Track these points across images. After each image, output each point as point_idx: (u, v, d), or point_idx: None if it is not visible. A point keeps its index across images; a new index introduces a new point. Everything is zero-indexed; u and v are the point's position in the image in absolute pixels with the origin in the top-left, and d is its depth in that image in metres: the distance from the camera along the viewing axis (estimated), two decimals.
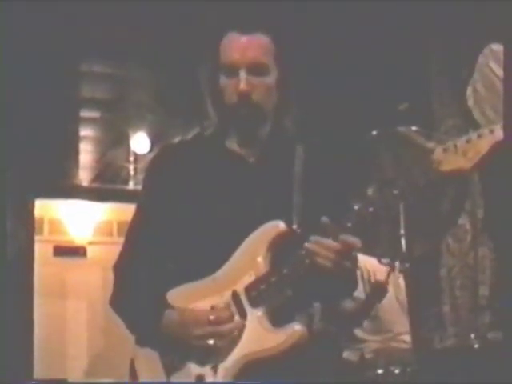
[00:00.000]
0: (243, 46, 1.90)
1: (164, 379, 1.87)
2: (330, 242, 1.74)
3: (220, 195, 1.93)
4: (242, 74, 1.88)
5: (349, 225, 1.76)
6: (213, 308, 1.84)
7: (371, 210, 1.76)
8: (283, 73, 1.94)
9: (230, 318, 1.81)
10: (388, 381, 2.95)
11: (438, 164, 1.72)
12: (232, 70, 1.89)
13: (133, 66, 4.97)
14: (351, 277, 1.91)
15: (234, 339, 1.80)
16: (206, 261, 1.88)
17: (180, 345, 1.84)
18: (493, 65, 3.43)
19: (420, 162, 1.75)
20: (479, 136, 1.69)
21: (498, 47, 3.41)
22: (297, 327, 1.78)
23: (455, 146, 1.71)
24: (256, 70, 1.89)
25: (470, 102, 3.61)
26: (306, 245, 1.76)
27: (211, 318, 1.80)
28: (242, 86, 1.87)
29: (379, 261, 3.23)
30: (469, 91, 3.62)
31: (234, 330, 1.80)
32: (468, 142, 1.70)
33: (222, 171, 1.96)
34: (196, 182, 1.96)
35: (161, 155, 2.07)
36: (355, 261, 1.83)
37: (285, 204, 1.89)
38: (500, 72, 3.36)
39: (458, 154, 1.70)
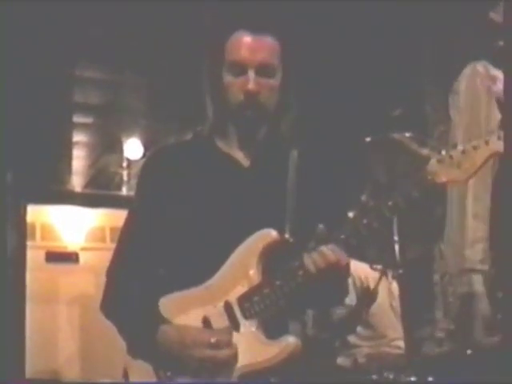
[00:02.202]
0: (253, 45, 1.89)
1: None
2: (325, 250, 1.73)
3: (213, 200, 1.91)
4: (251, 74, 1.87)
5: (342, 236, 1.75)
6: (206, 318, 1.82)
7: (365, 221, 1.74)
8: (287, 76, 1.94)
9: (229, 343, 1.78)
10: None
11: (433, 175, 1.70)
12: (240, 69, 1.88)
13: (126, 72, 4.96)
14: (343, 285, 1.91)
15: (230, 362, 1.78)
16: (198, 267, 1.86)
17: (175, 361, 1.82)
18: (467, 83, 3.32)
19: (414, 172, 1.74)
20: (474, 147, 1.68)
21: (481, 67, 3.30)
22: (290, 340, 1.76)
23: (450, 156, 1.70)
24: (264, 71, 1.89)
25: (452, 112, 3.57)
26: (305, 255, 1.74)
27: (212, 340, 1.77)
28: (251, 85, 1.87)
29: (371, 267, 3.24)
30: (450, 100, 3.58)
31: (232, 355, 1.77)
32: (463, 153, 1.69)
33: (216, 175, 1.95)
34: (189, 185, 1.94)
35: (153, 159, 2.05)
36: (348, 270, 1.82)
37: (278, 209, 1.87)
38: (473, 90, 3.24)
39: (453, 166, 1.69)
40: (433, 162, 1.71)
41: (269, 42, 1.91)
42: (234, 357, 1.77)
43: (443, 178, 1.71)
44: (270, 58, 1.90)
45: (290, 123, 1.99)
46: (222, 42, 1.93)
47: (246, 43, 1.90)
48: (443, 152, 1.71)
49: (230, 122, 1.95)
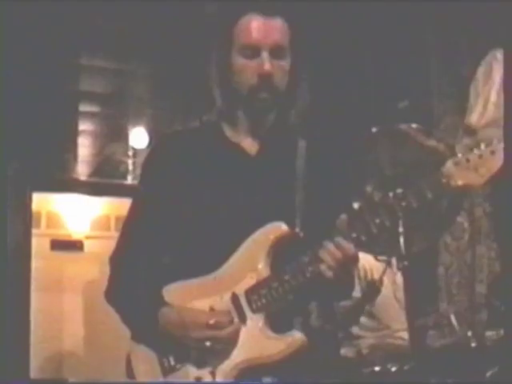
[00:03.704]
0: (265, 27, 1.87)
1: (160, 377, 1.86)
2: (333, 248, 1.73)
3: (219, 188, 1.90)
4: (265, 55, 1.85)
5: (354, 235, 1.74)
6: (212, 309, 1.82)
7: (378, 221, 1.73)
8: (296, 61, 1.92)
9: (230, 323, 1.78)
10: (385, 378, 2.95)
11: (449, 178, 1.69)
12: (253, 51, 1.86)
13: (132, 60, 4.96)
14: (350, 282, 1.90)
15: (231, 342, 1.78)
16: (203, 256, 1.86)
17: (177, 344, 1.83)
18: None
19: (429, 173, 1.72)
20: (492, 152, 1.66)
21: (499, 53, 3.27)
22: (297, 335, 1.76)
23: (467, 160, 1.68)
24: (277, 52, 1.87)
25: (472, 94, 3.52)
26: (319, 252, 1.74)
27: (211, 322, 1.78)
28: (267, 66, 1.84)
29: (376, 258, 3.23)
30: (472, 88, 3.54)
31: (232, 335, 1.78)
32: (480, 157, 1.67)
33: (222, 163, 1.93)
34: (195, 174, 1.93)
35: (159, 146, 2.04)
36: (356, 264, 1.81)
37: (285, 199, 1.86)
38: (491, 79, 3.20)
39: (469, 169, 1.67)
40: (449, 164, 1.69)
41: (279, 24, 1.89)
42: (235, 335, 1.77)
43: (459, 182, 1.69)
44: (282, 40, 1.88)
45: (299, 113, 1.97)
46: (230, 26, 1.90)
47: (257, 25, 1.87)
48: (459, 155, 1.69)
49: (240, 108, 1.92)
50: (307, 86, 1.97)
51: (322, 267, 1.72)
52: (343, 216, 1.75)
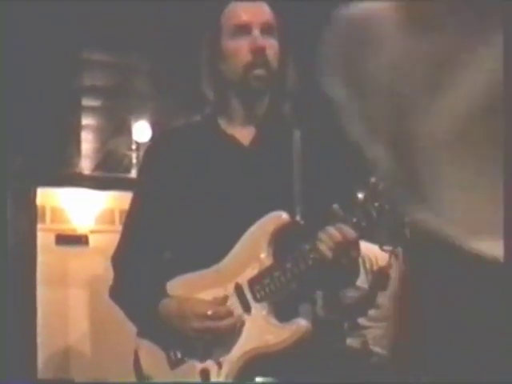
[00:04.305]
0: (253, 9, 1.92)
1: (168, 372, 1.86)
2: (333, 231, 1.72)
3: (217, 180, 1.91)
4: (257, 32, 1.88)
5: (354, 220, 1.73)
6: (215, 299, 1.82)
7: (377, 204, 1.73)
8: (282, 45, 1.94)
9: (229, 313, 1.78)
10: (390, 368, 2.96)
11: None
12: (244, 30, 1.89)
13: (134, 55, 4.95)
14: (353, 266, 1.89)
15: (233, 334, 1.78)
16: (204, 249, 1.87)
17: (180, 337, 1.83)
18: None
19: None
20: None
21: None
22: (301, 323, 1.76)
23: None
24: (267, 30, 1.90)
25: None
26: (319, 235, 1.73)
27: (209, 312, 1.78)
28: (259, 41, 1.87)
29: (381, 248, 3.23)
30: None
31: (232, 325, 1.78)
32: None
33: (218, 155, 1.94)
34: (192, 168, 1.94)
35: (157, 142, 2.07)
36: (358, 250, 1.81)
37: (282, 188, 1.86)
38: None
39: None
40: None
41: (267, 7, 1.93)
42: (236, 327, 1.78)
43: None
44: (270, 19, 1.92)
45: (291, 100, 1.97)
46: (218, 16, 1.93)
47: (245, 7, 1.92)
48: None
49: (234, 95, 1.93)
50: (297, 75, 1.97)
51: (322, 248, 1.72)
52: (335, 206, 1.74)
